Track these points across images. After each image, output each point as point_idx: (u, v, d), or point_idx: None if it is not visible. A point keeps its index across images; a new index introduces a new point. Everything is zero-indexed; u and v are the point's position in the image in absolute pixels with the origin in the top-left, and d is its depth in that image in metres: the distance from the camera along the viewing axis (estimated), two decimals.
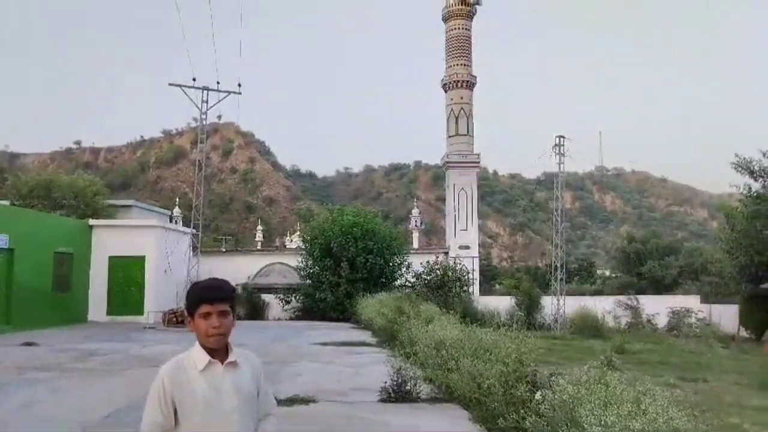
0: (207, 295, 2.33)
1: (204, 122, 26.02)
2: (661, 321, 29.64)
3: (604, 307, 29.88)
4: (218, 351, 2.33)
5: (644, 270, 44.47)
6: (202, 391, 2.25)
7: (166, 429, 2.25)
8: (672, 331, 27.27)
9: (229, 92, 24.93)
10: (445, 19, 41.50)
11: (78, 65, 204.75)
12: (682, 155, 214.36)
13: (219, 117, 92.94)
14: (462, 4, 40.72)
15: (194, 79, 24.63)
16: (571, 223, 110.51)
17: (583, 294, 40.13)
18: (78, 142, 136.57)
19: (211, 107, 25.18)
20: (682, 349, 19.94)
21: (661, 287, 41.71)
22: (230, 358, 2.34)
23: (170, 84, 24.56)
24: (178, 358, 2.34)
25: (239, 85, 25.42)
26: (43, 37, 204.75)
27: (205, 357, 2.30)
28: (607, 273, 62.11)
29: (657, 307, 30.47)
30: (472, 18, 41.31)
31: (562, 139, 30.23)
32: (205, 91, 24.63)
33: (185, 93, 24.45)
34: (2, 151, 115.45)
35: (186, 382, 2.26)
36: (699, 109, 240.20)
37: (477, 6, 41.22)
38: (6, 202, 24.63)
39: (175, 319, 20.58)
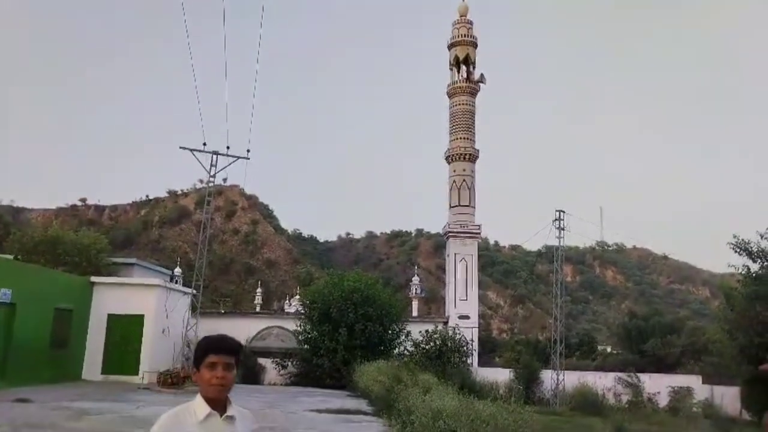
0: (215, 345, 2.40)
1: (211, 185, 26.49)
2: (662, 400, 29.15)
3: (605, 383, 29.50)
4: (217, 404, 2.36)
5: (646, 348, 43.92)
6: None
7: None
8: (673, 410, 26.79)
9: (238, 157, 25.32)
10: (450, 96, 42.93)
11: (86, 125, 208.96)
12: (682, 232, 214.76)
13: (225, 179, 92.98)
14: (467, 82, 42.23)
15: (204, 144, 25.17)
16: (572, 297, 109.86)
17: (583, 369, 39.54)
18: (83, 200, 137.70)
19: (219, 171, 25.58)
20: (683, 430, 19.60)
21: (662, 366, 41.09)
22: (229, 412, 2.37)
23: (181, 147, 25.13)
24: (176, 410, 2.36)
25: (248, 150, 25.80)
26: (52, 95, 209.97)
27: (206, 408, 2.33)
28: (608, 349, 61.21)
29: (658, 386, 30.03)
30: (475, 95, 42.71)
31: (561, 213, 30.75)
32: (215, 156, 25.19)
33: (195, 157, 25.00)
34: (7, 205, 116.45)
35: None
36: (698, 185, 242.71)
37: (481, 84, 42.71)
38: (9, 257, 24.78)
39: (170, 380, 20.36)
